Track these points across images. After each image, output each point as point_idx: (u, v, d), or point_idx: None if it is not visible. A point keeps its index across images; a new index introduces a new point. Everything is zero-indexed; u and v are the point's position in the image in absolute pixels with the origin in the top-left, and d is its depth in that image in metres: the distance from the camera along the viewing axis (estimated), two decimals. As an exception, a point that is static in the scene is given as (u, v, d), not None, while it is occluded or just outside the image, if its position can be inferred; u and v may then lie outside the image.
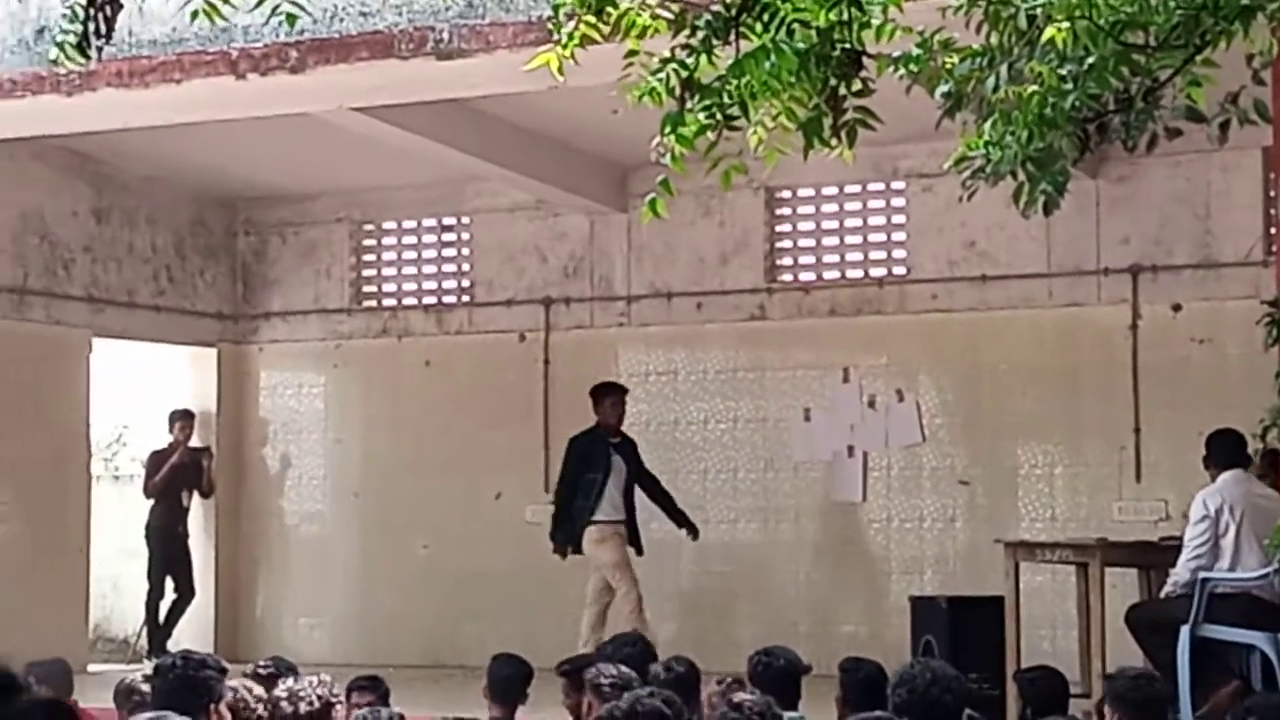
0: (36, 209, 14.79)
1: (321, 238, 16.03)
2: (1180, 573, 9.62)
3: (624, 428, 13.35)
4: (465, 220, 15.63)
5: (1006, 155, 5.63)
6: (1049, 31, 5.42)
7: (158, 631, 15.06)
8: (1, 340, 14.33)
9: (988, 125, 6.04)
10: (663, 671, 7.45)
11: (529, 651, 8.78)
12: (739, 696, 6.37)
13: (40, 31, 9.81)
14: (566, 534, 13.06)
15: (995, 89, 5.86)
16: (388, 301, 15.87)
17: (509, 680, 8.34)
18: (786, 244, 14.60)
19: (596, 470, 12.99)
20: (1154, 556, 10.70)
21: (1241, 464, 9.83)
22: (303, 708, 6.40)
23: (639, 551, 13.14)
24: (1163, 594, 9.90)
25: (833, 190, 14.39)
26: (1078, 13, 5.40)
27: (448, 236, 15.76)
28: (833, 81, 5.97)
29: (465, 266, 15.62)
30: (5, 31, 10.00)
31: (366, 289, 15.97)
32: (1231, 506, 9.59)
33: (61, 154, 14.73)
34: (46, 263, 14.85)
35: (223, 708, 6.11)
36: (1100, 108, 5.68)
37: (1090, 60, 5.50)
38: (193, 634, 14.72)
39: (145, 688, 6.41)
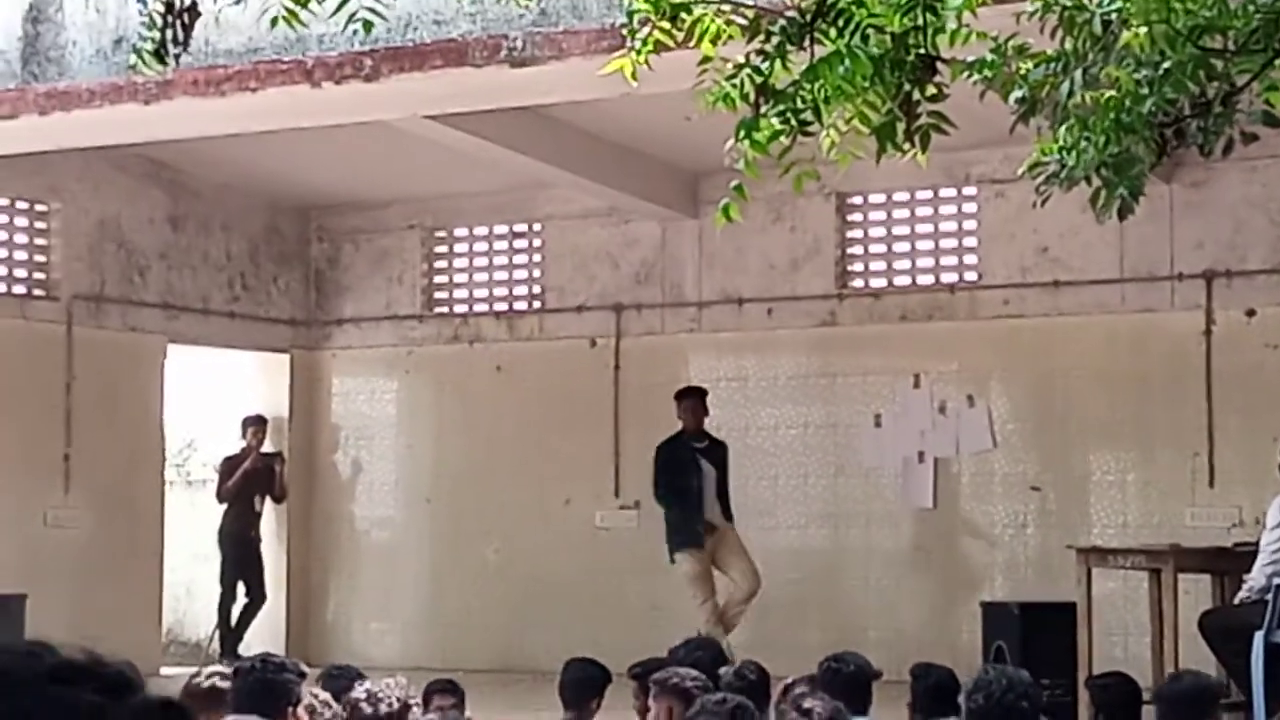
0: (114, 217, 14.94)
1: (394, 245, 16.11)
2: (1256, 578, 9.57)
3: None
4: (537, 227, 15.68)
5: (1083, 160, 5.62)
6: (1125, 36, 5.41)
7: (229, 635, 15.17)
8: (78, 347, 14.47)
9: (1062, 131, 6.03)
10: (734, 678, 7.46)
11: (597, 656, 8.79)
12: (808, 703, 6.37)
13: (118, 41, 9.90)
14: (682, 538, 13.03)
15: (1070, 94, 5.85)
16: (459, 308, 15.94)
17: (581, 684, 8.34)
18: (857, 250, 14.59)
19: (689, 477, 13.05)
20: (1227, 562, 10.64)
21: (1317, 468, 9.77)
22: (382, 709, 6.45)
23: (728, 518, 13.10)
24: (1237, 599, 9.84)
25: (904, 196, 14.37)
26: (1154, 17, 5.38)
27: (519, 243, 15.82)
28: (906, 86, 5.97)
29: (536, 273, 15.68)
30: (84, 41, 10.10)
31: (438, 295, 16.04)
32: (1308, 512, 9.53)
33: (138, 162, 14.87)
34: (123, 270, 14.99)
35: (300, 711, 6.17)
36: (1177, 113, 5.67)
37: (1167, 65, 5.49)
38: (264, 638, 14.80)
39: (225, 685, 6.47)
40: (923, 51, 5.88)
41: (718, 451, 13.32)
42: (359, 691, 6.55)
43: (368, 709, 6.47)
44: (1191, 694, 6.97)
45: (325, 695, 6.77)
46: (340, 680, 7.79)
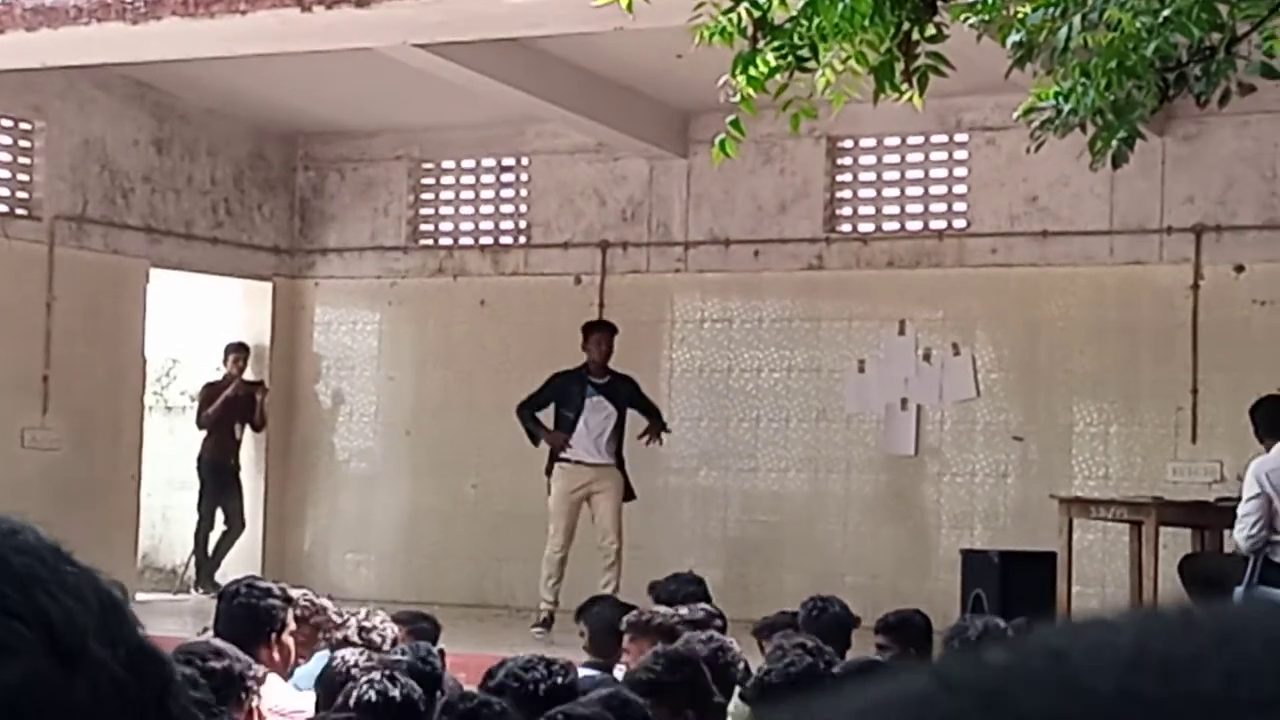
0: (98, 138, 14.82)
1: (380, 175, 16.01)
2: (1239, 542, 9.57)
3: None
4: (524, 161, 15.58)
5: (1084, 103, 5.56)
6: (1129, -21, 5.35)
7: (206, 563, 15.14)
8: (60, 268, 14.37)
9: (1060, 75, 5.96)
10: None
11: (574, 594, 8.76)
12: (795, 640, 6.35)
13: (107, -42, 9.79)
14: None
15: (1069, 38, 5.79)
16: (444, 240, 15.86)
17: (613, 630, 7.75)
18: (846, 194, 14.52)
19: (569, 409, 12.98)
20: (1209, 517, 10.65)
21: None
22: (376, 640, 6.42)
23: (630, 496, 13.12)
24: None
25: (895, 141, 14.29)
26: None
27: (506, 177, 15.73)
28: (906, 25, 5.91)
29: (522, 208, 15.59)
30: (72, -43, 9.98)
31: (423, 227, 15.96)
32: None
33: (124, 83, 14.74)
34: (106, 191, 14.88)
35: (285, 636, 6.10)
36: (1178, 58, 5.60)
37: (1170, 9, 5.42)
38: (240, 566, 14.74)
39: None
40: (923, -10, 5.81)
41: (621, 388, 13.18)
42: (351, 624, 6.50)
43: (359, 641, 6.41)
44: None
45: (323, 601, 6.72)
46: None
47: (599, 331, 13.31)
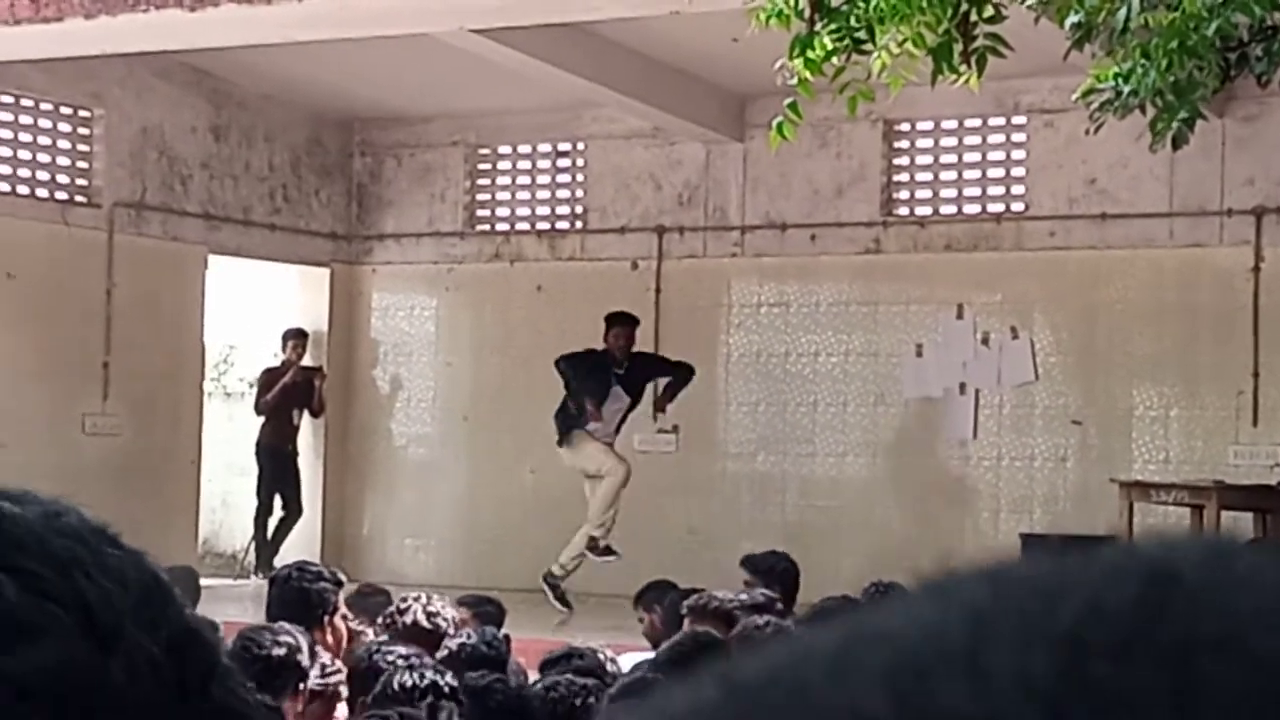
0: (156, 125, 14.88)
1: (437, 160, 16.03)
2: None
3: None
4: (580, 146, 15.58)
5: (1144, 84, 5.51)
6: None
7: (265, 548, 15.19)
8: (119, 254, 14.45)
9: (1120, 56, 5.92)
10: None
11: (634, 579, 8.76)
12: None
13: (165, -55, 9.82)
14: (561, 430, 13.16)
15: (1128, 19, 5.75)
16: (501, 226, 15.87)
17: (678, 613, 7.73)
18: (904, 177, 14.47)
19: (596, 391, 13.02)
20: (1272, 500, 10.58)
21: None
22: (442, 625, 6.42)
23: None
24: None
25: (952, 124, 14.22)
26: (1221, -61, 5.28)
27: (562, 162, 15.73)
28: (964, 7, 5.88)
29: (579, 193, 15.59)
30: (130, -56, 10.02)
31: (480, 213, 15.97)
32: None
33: (182, 70, 14.80)
34: (164, 178, 14.95)
35: (337, 620, 6.12)
36: (1239, 37, 5.56)
37: (1231, -11, 5.38)
38: (299, 551, 14.75)
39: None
40: (982, -29, 5.78)
41: (636, 376, 13.23)
42: (415, 608, 6.49)
43: (427, 625, 6.42)
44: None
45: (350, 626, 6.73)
46: (371, 599, 7.76)
47: (620, 325, 13.33)
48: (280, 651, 5.06)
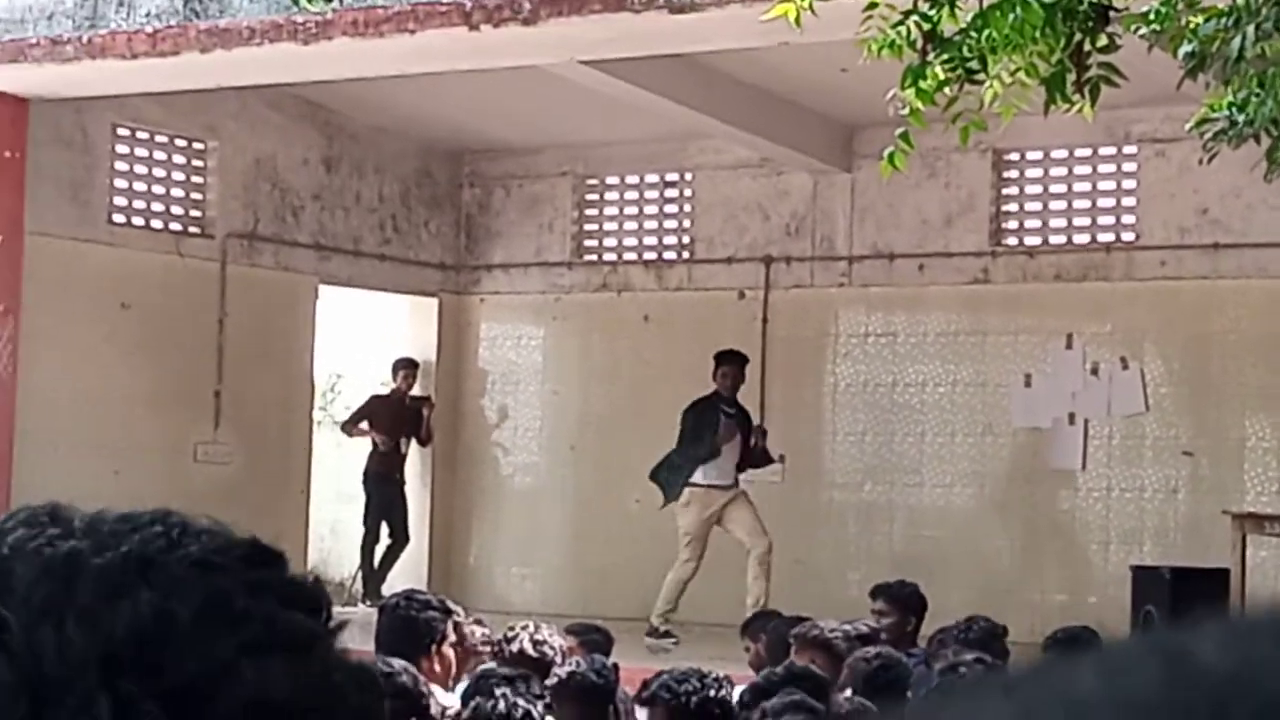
0: (269, 156, 15.05)
1: (545, 191, 16.11)
2: None
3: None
4: (688, 176, 15.61)
5: (1260, 113, 5.48)
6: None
7: (372, 576, 15.26)
8: (232, 284, 14.61)
9: (1234, 85, 5.89)
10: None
11: (738, 607, 8.76)
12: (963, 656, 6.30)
13: (279, -21, 9.94)
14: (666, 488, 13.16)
15: (1242, 48, 5.71)
16: (608, 256, 15.93)
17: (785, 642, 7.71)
18: (1013, 207, 14.41)
19: (709, 431, 13.02)
20: (1387, 535, 10.43)
21: None
22: (548, 653, 6.44)
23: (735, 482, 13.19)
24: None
25: (1062, 153, 14.16)
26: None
27: (670, 193, 15.77)
28: (1078, 36, 5.86)
29: (686, 223, 15.63)
30: (245, -21, 10.15)
31: (587, 243, 16.04)
32: None
33: (294, 102, 14.96)
34: (276, 209, 15.11)
35: (445, 648, 6.14)
36: (1357, 67, 5.52)
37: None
38: (407, 580, 14.86)
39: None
40: (1095, 1, 5.76)
41: (744, 419, 13.30)
42: (523, 637, 6.53)
43: (534, 654, 6.45)
44: None
45: (482, 631, 6.75)
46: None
47: (728, 364, 13.34)
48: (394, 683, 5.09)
